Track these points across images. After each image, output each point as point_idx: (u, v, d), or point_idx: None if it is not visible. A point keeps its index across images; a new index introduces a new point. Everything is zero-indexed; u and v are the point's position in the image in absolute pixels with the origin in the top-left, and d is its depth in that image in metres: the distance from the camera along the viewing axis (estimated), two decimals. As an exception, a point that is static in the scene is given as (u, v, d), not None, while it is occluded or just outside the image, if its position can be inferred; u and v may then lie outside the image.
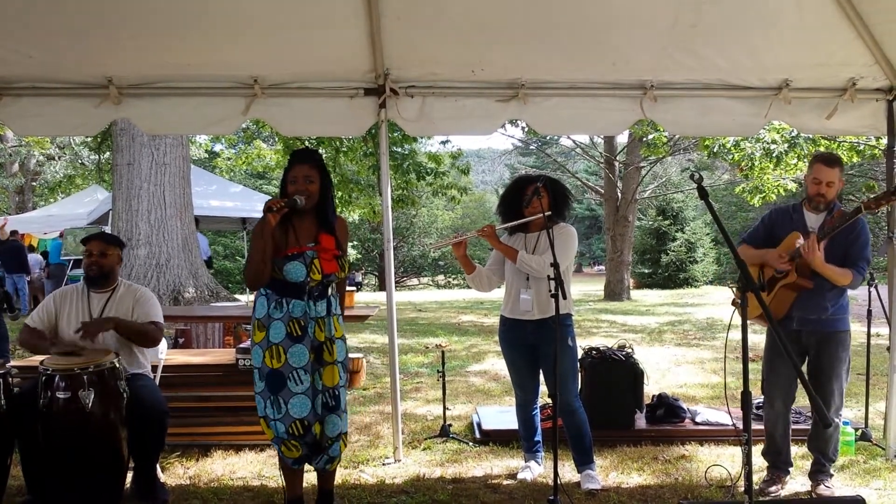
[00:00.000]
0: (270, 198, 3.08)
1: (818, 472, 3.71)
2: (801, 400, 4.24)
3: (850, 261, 3.54)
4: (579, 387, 4.34)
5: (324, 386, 3.18)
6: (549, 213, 3.76)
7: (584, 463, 3.85)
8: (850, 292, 3.70)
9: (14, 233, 13.96)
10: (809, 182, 3.65)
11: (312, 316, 3.15)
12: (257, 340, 3.15)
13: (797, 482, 3.85)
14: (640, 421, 4.77)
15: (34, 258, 15.30)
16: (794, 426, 3.95)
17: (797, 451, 4.18)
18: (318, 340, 3.17)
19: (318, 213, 3.22)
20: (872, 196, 3.44)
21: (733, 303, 3.82)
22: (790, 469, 3.83)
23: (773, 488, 3.70)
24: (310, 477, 3.48)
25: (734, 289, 2.90)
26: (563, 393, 3.71)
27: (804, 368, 3.67)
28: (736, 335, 2.76)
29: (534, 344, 3.86)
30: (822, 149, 10.97)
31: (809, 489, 3.72)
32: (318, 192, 3.19)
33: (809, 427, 3.97)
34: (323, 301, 3.19)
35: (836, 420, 3.65)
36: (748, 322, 3.76)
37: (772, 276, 3.69)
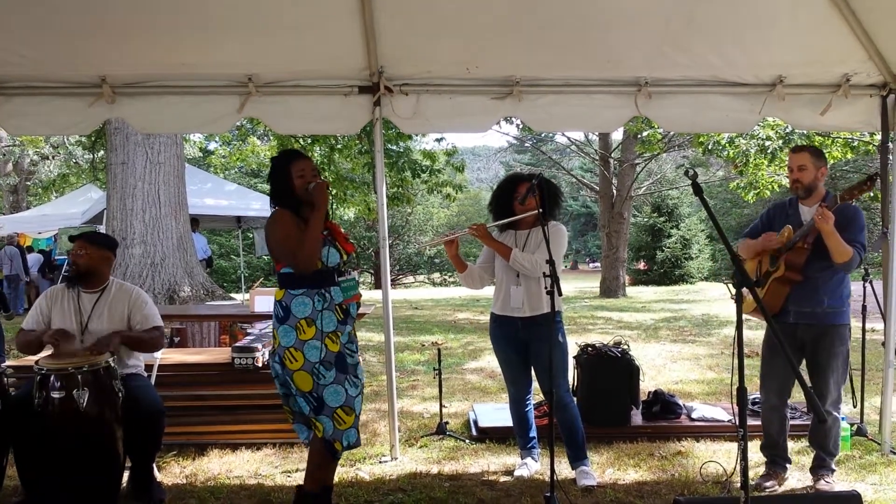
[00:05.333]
0: (322, 180, 3.16)
1: (819, 468, 3.71)
2: (798, 395, 4.26)
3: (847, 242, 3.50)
4: (574, 383, 4.34)
5: None
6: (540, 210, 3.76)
7: (577, 459, 3.86)
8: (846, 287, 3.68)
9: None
10: (788, 174, 3.74)
11: (343, 298, 3.20)
12: (308, 337, 3.06)
13: (794, 478, 3.86)
14: (636, 417, 4.78)
15: (33, 257, 15.25)
16: (792, 422, 3.94)
17: (795, 446, 4.20)
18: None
19: None
20: (847, 187, 3.52)
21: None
22: (787, 465, 3.83)
23: (769, 483, 3.70)
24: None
25: (730, 285, 2.91)
26: (553, 388, 3.70)
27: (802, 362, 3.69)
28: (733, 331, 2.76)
29: (525, 340, 3.86)
30: (815, 145, 11.01)
31: (808, 485, 3.73)
32: None
33: (808, 423, 3.97)
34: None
35: (835, 413, 3.65)
36: (748, 316, 3.77)
37: (766, 270, 3.70)
